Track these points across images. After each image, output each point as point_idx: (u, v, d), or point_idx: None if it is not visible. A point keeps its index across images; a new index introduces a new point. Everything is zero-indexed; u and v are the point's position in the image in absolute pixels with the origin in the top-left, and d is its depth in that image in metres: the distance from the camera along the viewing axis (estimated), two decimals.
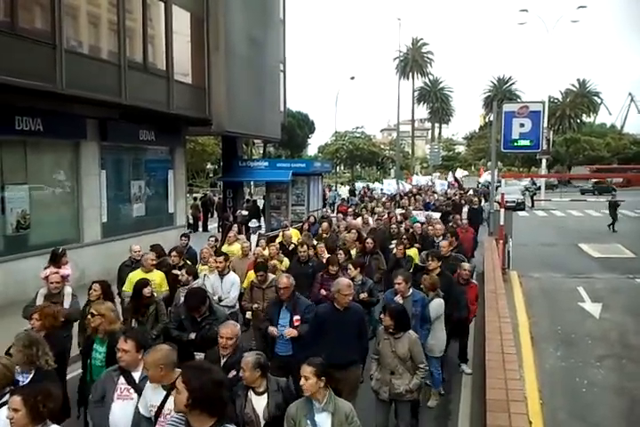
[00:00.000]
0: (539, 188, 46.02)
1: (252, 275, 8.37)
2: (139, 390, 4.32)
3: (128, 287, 7.98)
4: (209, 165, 51.65)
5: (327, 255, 9.43)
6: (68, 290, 7.38)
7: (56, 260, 8.93)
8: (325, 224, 13.11)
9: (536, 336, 10.24)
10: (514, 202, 32.70)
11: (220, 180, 27.52)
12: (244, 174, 23.38)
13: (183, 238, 11.08)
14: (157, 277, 8.28)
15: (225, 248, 10.68)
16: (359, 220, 15.04)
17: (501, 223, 15.40)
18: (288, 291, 6.59)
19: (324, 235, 12.42)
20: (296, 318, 6.44)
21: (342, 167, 73.78)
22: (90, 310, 5.73)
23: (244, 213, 21.46)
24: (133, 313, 6.97)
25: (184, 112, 16.65)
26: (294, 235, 12.33)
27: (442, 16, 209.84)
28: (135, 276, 8.08)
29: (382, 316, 5.88)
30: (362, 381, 6.34)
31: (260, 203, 26.29)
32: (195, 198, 29.66)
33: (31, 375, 4.60)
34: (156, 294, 7.38)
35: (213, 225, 26.33)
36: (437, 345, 7.15)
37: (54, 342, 5.36)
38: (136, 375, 4.44)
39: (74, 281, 12.60)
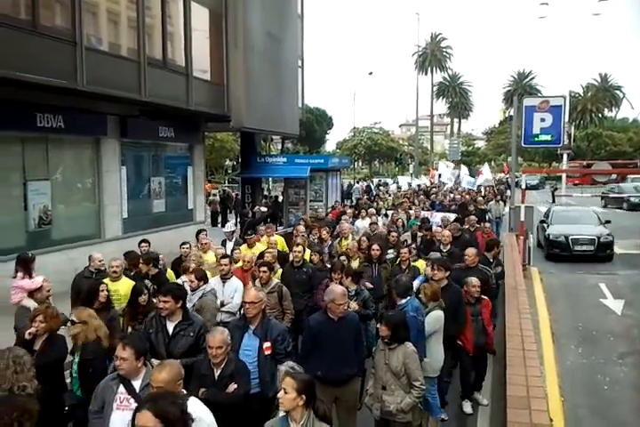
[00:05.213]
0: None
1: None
2: (140, 399, 3.98)
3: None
4: (227, 162, 51.81)
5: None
6: (30, 305, 6.57)
7: (27, 267, 7.65)
8: (301, 228, 11.57)
9: (557, 333, 10.15)
10: (590, 243, 16.90)
11: (239, 176, 27.61)
12: (262, 170, 23.44)
13: (143, 244, 9.77)
14: (127, 287, 7.25)
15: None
16: (360, 222, 13.43)
17: (522, 219, 15.26)
18: (256, 307, 5.31)
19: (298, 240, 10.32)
20: (266, 345, 5.25)
21: (360, 163, 73.59)
22: (70, 318, 5.39)
23: (263, 209, 21.49)
24: (130, 320, 6.64)
25: (203, 108, 16.70)
26: (279, 243, 11.03)
27: (461, 10, 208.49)
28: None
29: (379, 325, 5.38)
30: (360, 407, 5.76)
31: (279, 199, 26.30)
32: (213, 194, 29.78)
33: None
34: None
35: (232, 221, 26.45)
36: (431, 364, 6.13)
37: (54, 348, 5.20)
38: (136, 384, 4.18)
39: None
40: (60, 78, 11.31)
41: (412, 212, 15.61)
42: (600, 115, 77.49)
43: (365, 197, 27.05)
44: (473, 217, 13.85)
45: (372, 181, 42.00)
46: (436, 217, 14.88)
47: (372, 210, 15.46)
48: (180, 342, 5.23)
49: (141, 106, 14.73)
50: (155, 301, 6.30)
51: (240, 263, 8.74)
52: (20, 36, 10.46)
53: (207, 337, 4.72)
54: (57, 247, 12.48)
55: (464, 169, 37.94)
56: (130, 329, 6.59)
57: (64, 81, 11.41)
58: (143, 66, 13.94)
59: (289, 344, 5.37)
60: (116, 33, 13.87)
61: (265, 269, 7.26)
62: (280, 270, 8.58)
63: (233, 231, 12.26)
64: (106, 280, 7.36)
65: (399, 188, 32.47)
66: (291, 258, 8.95)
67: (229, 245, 11.18)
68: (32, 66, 10.60)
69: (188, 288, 6.79)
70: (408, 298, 6.16)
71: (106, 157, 14.27)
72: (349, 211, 15.57)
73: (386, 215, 15.78)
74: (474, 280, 7.11)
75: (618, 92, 77.58)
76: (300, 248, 8.63)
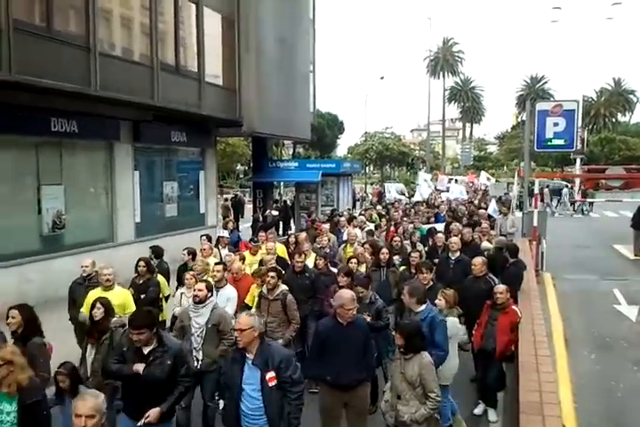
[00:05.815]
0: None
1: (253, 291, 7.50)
2: None
3: (87, 309, 6.69)
4: (239, 166, 52.06)
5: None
6: None
7: None
8: (303, 235, 11.27)
9: (570, 339, 10.06)
10: None
11: (251, 180, 27.72)
12: (273, 175, 23.53)
13: (141, 263, 8.37)
14: (118, 297, 6.88)
15: None
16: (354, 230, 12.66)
17: (535, 224, 15.16)
18: (245, 335, 4.61)
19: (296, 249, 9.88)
20: (269, 375, 4.58)
21: (372, 168, 73.58)
22: None
23: (274, 213, 21.53)
24: (88, 336, 6.02)
25: (215, 113, 16.79)
26: (280, 251, 10.43)
27: (473, 14, 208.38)
28: (94, 296, 6.82)
29: (394, 333, 5.28)
30: (374, 411, 5.81)
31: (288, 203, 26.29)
32: (225, 199, 29.84)
33: None
34: (116, 318, 6.29)
35: (245, 225, 26.48)
36: (444, 371, 5.94)
37: None
38: None
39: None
40: (74, 83, 11.43)
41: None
42: (614, 119, 77.00)
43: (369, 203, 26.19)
44: (485, 225, 13.30)
45: (384, 186, 40.85)
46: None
47: (362, 217, 15.02)
48: (157, 370, 4.87)
49: (154, 111, 14.84)
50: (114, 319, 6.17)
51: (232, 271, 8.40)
52: (35, 42, 10.58)
53: (73, 402, 3.78)
54: (70, 251, 12.56)
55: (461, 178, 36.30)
56: (89, 347, 5.95)
57: (79, 86, 11.53)
58: (156, 71, 14.05)
59: (295, 370, 4.73)
60: (130, 39, 14.01)
61: (273, 274, 7.12)
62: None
63: (228, 237, 12.05)
64: (97, 289, 7.11)
65: (402, 194, 30.90)
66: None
67: (224, 252, 10.71)
68: (47, 71, 10.72)
69: (189, 301, 6.58)
70: (426, 304, 6.06)
71: (119, 162, 14.37)
72: (342, 219, 14.65)
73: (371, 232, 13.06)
74: (500, 287, 7.02)
75: (632, 96, 77.10)
76: (303, 257, 8.35)
